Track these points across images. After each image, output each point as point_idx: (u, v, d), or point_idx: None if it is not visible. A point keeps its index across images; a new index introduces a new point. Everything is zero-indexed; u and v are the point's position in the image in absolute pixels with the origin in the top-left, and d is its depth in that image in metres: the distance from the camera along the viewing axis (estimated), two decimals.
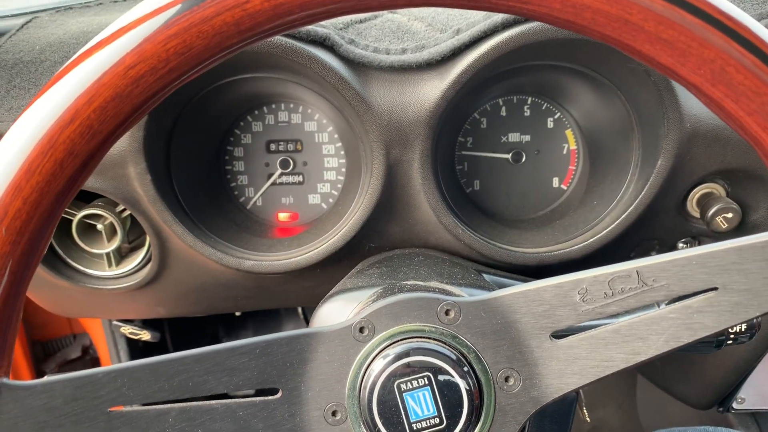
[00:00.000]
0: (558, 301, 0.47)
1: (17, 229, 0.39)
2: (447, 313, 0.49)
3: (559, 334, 0.48)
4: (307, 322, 1.37)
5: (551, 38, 0.71)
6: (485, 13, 0.76)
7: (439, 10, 0.84)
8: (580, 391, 0.64)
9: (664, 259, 0.44)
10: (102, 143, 0.39)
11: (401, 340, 0.49)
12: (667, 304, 0.46)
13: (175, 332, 1.28)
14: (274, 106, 0.91)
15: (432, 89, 0.75)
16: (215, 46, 0.38)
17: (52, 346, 1.37)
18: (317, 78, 0.74)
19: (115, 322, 1.11)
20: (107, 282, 0.89)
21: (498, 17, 0.72)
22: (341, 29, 0.78)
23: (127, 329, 1.12)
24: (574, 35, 0.70)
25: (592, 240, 0.81)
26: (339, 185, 0.93)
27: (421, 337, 0.49)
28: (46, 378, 0.43)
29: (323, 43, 0.74)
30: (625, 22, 0.37)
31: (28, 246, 0.40)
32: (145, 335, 1.12)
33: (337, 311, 0.63)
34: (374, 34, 0.79)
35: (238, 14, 0.37)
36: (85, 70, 0.38)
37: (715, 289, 0.44)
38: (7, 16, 0.93)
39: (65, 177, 0.39)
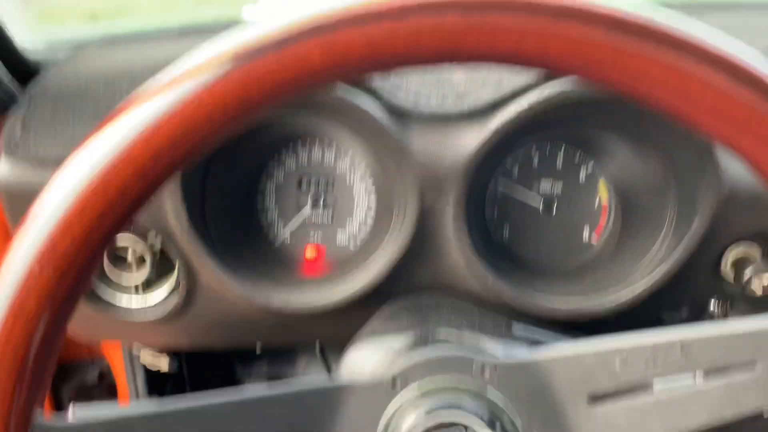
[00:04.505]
0: (597, 366, 0.46)
1: (63, 267, 0.39)
2: (483, 371, 0.48)
3: (596, 401, 0.47)
4: (324, 356, 1.36)
5: (591, 97, 0.71)
6: None
7: None
8: None
9: (709, 331, 0.43)
10: (153, 186, 0.40)
11: (434, 395, 0.48)
12: (708, 377, 0.45)
13: (191, 362, 1.28)
14: (308, 144, 0.92)
15: (471, 139, 0.75)
16: (272, 96, 0.39)
17: (70, 369, 1.37)
18: (358, 122, 0.75)
19: (134, 351, 1.11)
20: (133, 313, 0.90)
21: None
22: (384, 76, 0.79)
23: (146, 358, 1.12)
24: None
25: (623, 296, 0.80)
26: (368, 225, 0.93)
27: (454, 394, 0.48)
28: (78, 416, 0.43)
29: (366, 89, 0.75)
30: (684, 95, 0.37)
31: (72, 284, 0.40)
32: (164, 364, 1.12)
33: (366, 358, 0.62)
34: (415, 84, 0.80)
35: (297, 66, 0.38)
36: (145, 113, 0.38)
37: (761, 364, 0.43)
38: (56, 47, 0.96)
39: (114, 217, 0.40)
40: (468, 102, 0.76)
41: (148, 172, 0.39)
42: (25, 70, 0.88)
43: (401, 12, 0.37)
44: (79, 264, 0.40)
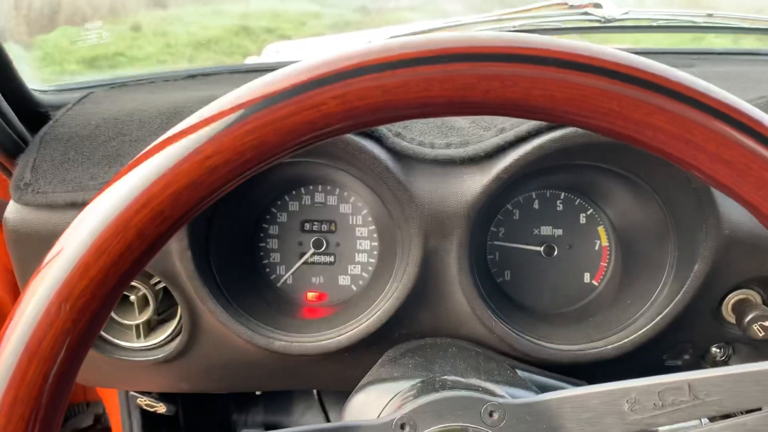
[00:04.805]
0: (605, 408, 0.46)
1: (80, 308, 0.40)
2: (491, 414, 0.48)
3: None
4: (321, 402, 1.34)
5: (594, 142, 0.73)
6: None
7: None
8: None
9: (718, 374, 0.44)
10: (170, 228, 0.40)
11: None
12: (714, 420, 0.46)
13: (187, 406, 1.26)
14: (311, 187, 0.93)
15: (473, 183, 0.76)
16: (289, 143, 0.40)
17: (65, 414, 1.35)
18: (363, 167, 0.76)
19: (132, 393, 1.10)
20: (135, 353, 0.89)
21: None
22: None
23: (144, 401, 1.10)
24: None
25: (626, 340, 0.80)
26: (370, 268, 0.94)
27: None
28: None
29: (371, 134, 0.76)
30: (687, 141, 0.38)
31: (88, 325, 0.40)
32: (161, 408, 1.11)
33: (372, 402, 0.62)
34: (420, 128, 0.81)
35: (313, 115, 0.39)
36: (165, 156, 0.39)
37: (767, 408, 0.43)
38: (65, 90, 0.97)
39: (132, 259, 0.40)
40: (472, 147, 0.78)
41: (167, 215, 0.40)
42: (34, 114, 0.89)
43: (415, 61, 0.38)
44: (96, 305, 0.40)
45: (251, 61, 1.52)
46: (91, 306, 0.40)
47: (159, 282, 0.86)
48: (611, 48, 0.39)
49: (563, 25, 1.32)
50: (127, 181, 0.40)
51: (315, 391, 1.32)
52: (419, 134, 0.80)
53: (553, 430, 0.47)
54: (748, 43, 1.52)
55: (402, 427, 0.49)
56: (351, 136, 0.74)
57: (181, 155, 0.39)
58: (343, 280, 0.95)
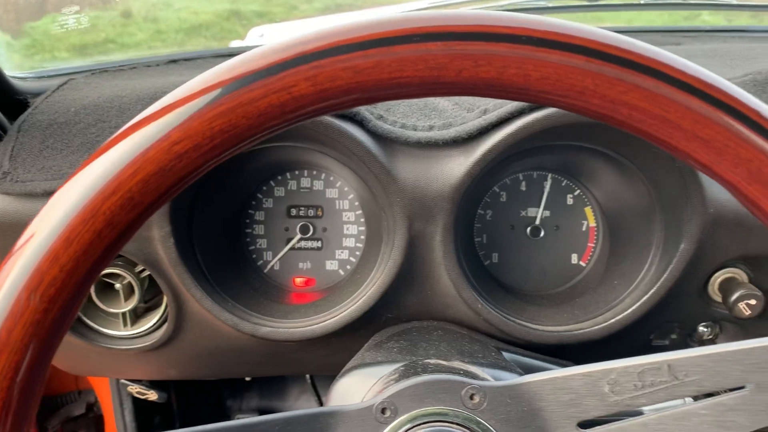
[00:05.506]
0: (586, 390, 0.46)
1: (51, 297, 0.39)
2: (472, 397, 0.48)
3: (586, 425, 0.47)
4: (314, 386, 1.34)
5: (577, 122, 0.72)
6: None
7: None
8: None
9: (697, 354, 0.43)
10: (141, 214, 0.40)
11: (424, 423, 0.48)
12: (697, 400, 0.46)
13: (180, 393, 1.26)
14: (297, 172, 0.93)
15: (457, 166, 0.76)
16: (259, 126, 0.39)
17: (56, 402, 1.35)
18: (345, 150, 0.76)
19: (122, 381, 1.10)
20: (121, 342, 0.89)
21: None
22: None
23: (134, 389, 1.10)
24: None
25: (612, 321, 0.80)
26: (358, 253, 0.93)
27: (444, 421, 0.48)
28: None
29: (353, 118, 0.76)
30: (663, 119, 0.37)
31: (59, 314, 0.40)
32: (153, 395, 1.11)
33: (355, 387, 0.62)
34: (402, 111, 0.80)
35: (283, 97, 0.38)
36: (132, 143, 0.39)
37: (749, 387, 0.43)
38: (44, 77, 0.96)
39: (102, 246, 0.40)
40: (454, 129, 0.77)
41: (136, 201, 0.39)
42: (13, 101, 0.88)
43: (387, 41, 0.37)
44: (67, 294, 0.40)
45: (236, 45, 1.50)
46: (63, 295, 0.40)
47: (144, 270, 0.86)
48: (587, 26, 0.38)
49: (553, 4, 1.31)
50: (95, 168, 0.39)
51: (308, 376, 1.32)
52: (402, 117, 0.79)
53: (534, 412, 0.47)
54: (743, 20, 1.51)
55: (383, 411, 0.48)
56: (332, 120, 0.73)
57: (148, 141, 0.38)
58: (331, 265, 0.94)
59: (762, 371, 0.42)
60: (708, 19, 1.55)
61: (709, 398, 0.45)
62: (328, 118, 0.73)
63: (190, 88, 0.39)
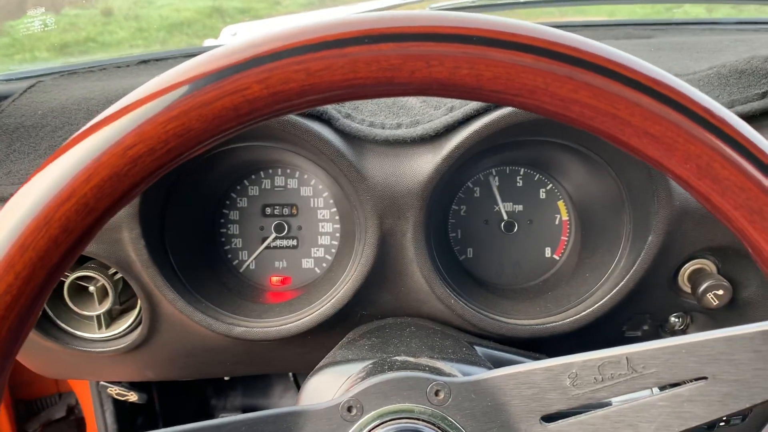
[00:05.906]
0: (548, 384, 0.47)
1: (7, 305, 0.39)
2: (437, 393, 0.48)
3: (549, 418, 0.47)
4: (297, 384, 1.35)
5: (541, 118, 0.72)
6: None
7: None
8: None
9: (654, 346, 0.44)
10: (97, 220, 0.40)
11: (390, 420, 0.49)
12: (656, 391, 0.46)
13: (163, 393, 1.26)
14: (270, 171, 0.92)
15: (425, 163, 0.76)
16: (214, 129, 0.39)
17: (37, 406, 1.34)
18: (314, 150, 0.76)
19: (102, 383, 1.09)
20: (96, 344, 0.88)
21: None
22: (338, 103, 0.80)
23: (114, 390, 1.10)
24: None
25: (584, 313, 0.81)
26: (333, 250, 0.93)
27: (409, 418, 0.49)
28: None
29: (320, 117, 0.76)
30: (613, 116, 0.38)
31: (17, 321, 0.40)
32: (132, 396, 1.11)
33: (325, 385, 0.62)
34: (370, 109, 0.81)
35: (237, 100, 0.38)
36: (85, 148, 0.38)
37: (705, 378, 0.43)
38: (12, 80, 0.95)
39: (59, 253, 0.39)
40: (422, 126, 0.77)
41: (92, 207, 0.39)
42: None
43: (339, 42, 0.37)
44: (24, 300, 0.39)
45: (209, 44, 1.49)
46: (20, 302, 0.39)
47: (118, 272, 0.85)
48: (538, 25, 0.38)
49: None
50: (49, 173, 0.39)
51: (291, 374, 1.32)
52: (369, 115, 0.80)
53: (499, 407, 0.47)
54: (724, 11, 1.52)
55: (349, 409, 0.49)
56: (298, 119, 0.73)
57: (102, 146, 0.38)
58: (307, 263, 0.94)
59: (716, 363, 0.42)
60: (691, 11, 1.56)
61: (668, 390, 0.45)
62: (295, 117, 0.73)
63: (144, 91, 0.39)
